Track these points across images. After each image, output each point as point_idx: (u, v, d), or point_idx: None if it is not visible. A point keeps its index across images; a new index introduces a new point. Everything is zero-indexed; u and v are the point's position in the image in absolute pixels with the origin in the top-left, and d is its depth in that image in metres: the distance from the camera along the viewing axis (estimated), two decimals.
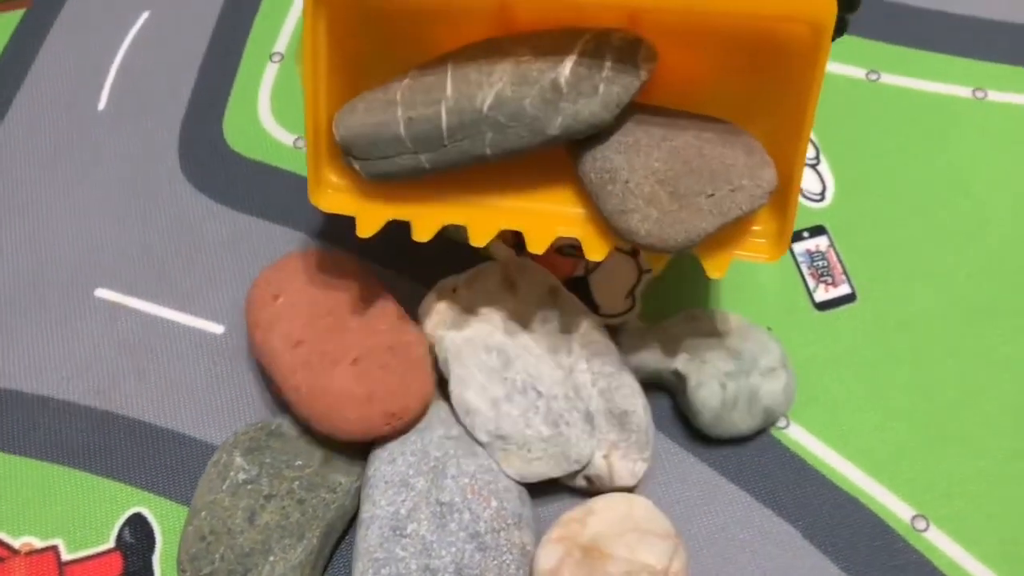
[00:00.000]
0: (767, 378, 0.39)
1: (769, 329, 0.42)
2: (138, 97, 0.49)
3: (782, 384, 0.39)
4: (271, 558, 0.36)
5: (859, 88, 0.49)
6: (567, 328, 0.40)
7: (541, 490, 0.39)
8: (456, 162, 0.36)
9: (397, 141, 0.36)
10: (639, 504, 0.38)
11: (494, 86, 0.35)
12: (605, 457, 0.38)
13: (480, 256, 0.45)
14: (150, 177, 0.47)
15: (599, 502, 0.37)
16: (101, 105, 0.49)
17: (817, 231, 0.44)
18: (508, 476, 0.37)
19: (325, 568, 0.38)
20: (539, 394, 0.38)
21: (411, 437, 0.38)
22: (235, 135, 0.48)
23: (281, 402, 0.41)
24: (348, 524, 0.38)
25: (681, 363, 0.40)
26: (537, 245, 0.37)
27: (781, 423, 0.41)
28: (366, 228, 0.37)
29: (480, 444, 0.38)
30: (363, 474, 0.38)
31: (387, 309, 0.39)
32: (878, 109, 0.48)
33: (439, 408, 0.39)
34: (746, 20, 0.34)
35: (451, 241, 0.45)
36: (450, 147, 0.36)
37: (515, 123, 0.35)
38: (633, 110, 0.37)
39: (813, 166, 0.46)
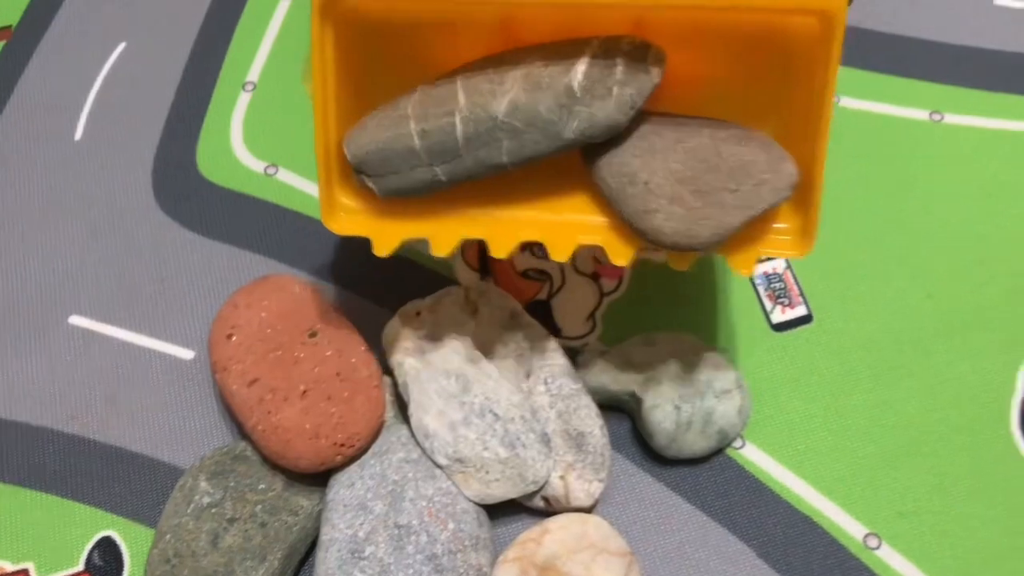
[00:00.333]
0: (721, 400, 0.40)
1: (726, 351, 0.43)
2: (114, 127, 0.51)
3: (736, 406, 0.40)
4: None
5: None
6: (527, 351, 0.41)
7: (500, 511, 0.40)
8: (472, 172, 0.36)
9: (411, 154, 0.36)
10: (594, 524, 0.38)
11: (508, 93, 0.35)
12: (561, 478, 0.39)
13: (444, 279, 0.46)
14: (124, 206, 0.48)
15: (555, 522, 0.38)
16: (78, 135, 0.50)
17: None
18: (467, 498, 0.38)
19: None
20: (496, 417, 0.39)
21: (370, 461, 0.38)
22: (208, 164, 0.49)
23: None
24: (311, 546, 0.39)
25: (637, 385, 0.41)
26: (560, 254, 0.37)
27: (737, 443, 0.41)
28: (382, 248, 0.37)
29: (439, 467, 0.38)
30: (324, 497, 0.39)
31: (337, 334, 0.40)
32: (837, 132, 0.49)
33: (399, 432, 0.39)
34: (752, 16, 0.34)
35: (415, 264, 0.46)
36: (466, 157, 0.36)
37: (531, 128, 0.35)
38: (643, 116, 0.37)
39: None
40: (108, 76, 0.52)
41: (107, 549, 0.40)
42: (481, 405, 0.39)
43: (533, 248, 0.46)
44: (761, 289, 0.45)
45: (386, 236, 0.37)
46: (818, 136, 0.35)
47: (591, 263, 0.46)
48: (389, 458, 0.39)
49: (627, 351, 0.42)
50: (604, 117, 0.35)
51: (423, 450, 0.39)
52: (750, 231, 0.37)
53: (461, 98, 0.35)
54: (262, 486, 0.39)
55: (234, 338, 0.40)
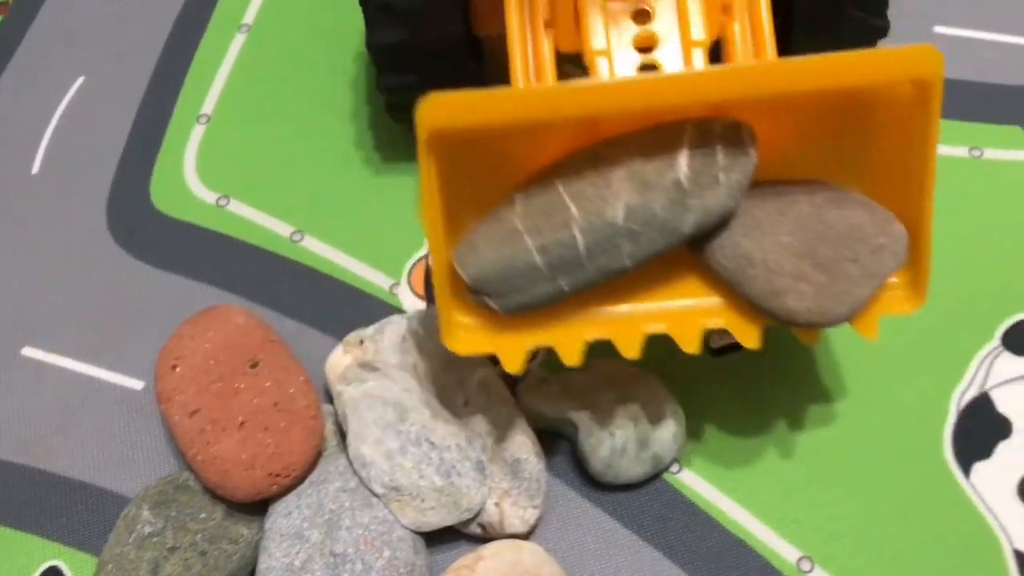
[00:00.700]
0: (656, 425, 0.41)
1: (663, 376, 0.44)
2: (71, 160, 0.52)
3: (671, 431, 0.41)
4: None
5: None
6: (466, 380, 0.42)
7: (438, 538, 0.40)
8: (595, 280, 0.36)
9: (533, 271, 0.35)
10: (528, 550, 0.39)
11: (620, 197, 0.35)
12: (497, 505, 0.40)
13: (391, 308, 0.46)
14: (78, 238, 0.49)
15: (489, 549, 0.39)
16: (35, 169, 0.51)
17: None
18: (403, 526, 0.39)
19: None
20: (433, 445, 0.39)
21: (308, 490, 0.39)
22: (161, 196, 0.50)
23: None
24: (251, 575, 0.40)
25: (574, 412, 0.41)
26: (689, 344, 0.37)
27: (674, 468, 0.42)
28: (512, 364, 0.36)
29: (376, 496, 0.39)
30: (263, 526, 0.39)
31: (278, 364, 0.41)
32: None
33: (338, 461, 0.40)
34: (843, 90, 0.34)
35: (363, 293, 0.47)
36: (588, 266, 0.35)
37: (649, 229, 0.35)
38: None
39: None
40: (67, 110, 0.53)
41: None
42: (418, 434, 0.39)
43: None
44: None
45: (510, 350, 0.36)
46: (923, 195, 0.35)
47: None
48: (326, 487, 0.39)
49: (565, 378, 0.43)
50: (718, 206, 0.35)
51: (360, 479, 0.39)
52: None
53: (572, 208, 0.35)
54: (203, 515, 0.40)
55: (178, 369, 0.41)
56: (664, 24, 0.38)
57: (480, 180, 0.36)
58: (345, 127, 0.51)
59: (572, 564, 0.40)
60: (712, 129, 0.36)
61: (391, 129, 0.51)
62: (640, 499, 0.41)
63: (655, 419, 0.41)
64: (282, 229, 0.49)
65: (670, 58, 0.38)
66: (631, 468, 0.41)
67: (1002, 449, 0.42)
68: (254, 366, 0.41)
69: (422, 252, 0.48)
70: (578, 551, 0.40)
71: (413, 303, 0.46)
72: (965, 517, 0.40)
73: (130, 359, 0.46)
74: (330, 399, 0.43)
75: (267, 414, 0.39)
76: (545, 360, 0.45)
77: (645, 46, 0.38)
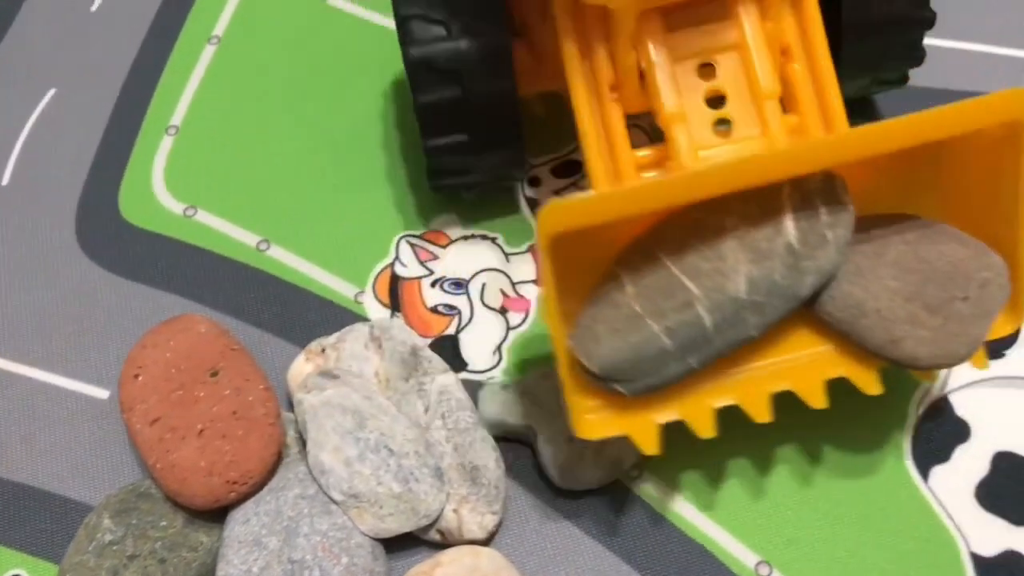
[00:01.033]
0: None
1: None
2: (41, 171, 0.52)
3: None
4: None
5: None
6: (425, 386, 0.42)
7: (398, 545, 0.40)
8: (723, 352, 0.36)
9: (663, 354, 0.35)
10: (487, 556, 0.39)
11: (738, 270, 0.35)
12: (455, 511, 0.40)
13: (355, 316, 0.47)
14: (47, 249, 0.49)
15: (447, 555, 0.39)
16: (5, 180, 0.52)
17: None
18: (362, 533, 0.39)
19: None
20: (391, 452, 0.39)
21: (266, 497, 0.39)
22: (129, 206, 0.50)
23: None
24: None
25: (534, 418, 0.42)
26: (817, 400, 0.37)
27: (634, 473, 0.42)
28: (647, 444, 0.36)
29: (335, 503, 0.39)
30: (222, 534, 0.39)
31: (238, 373, 0.41)
32: None
33: (297, 468, 0.40)
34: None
35: (327, 301, 0.47)
36: (716, 341, 0.36)
37: (771, 298, 0.36)
38: None
39: None
40: (37, 122, 0.54)
41: None
42: (376, 441, 0.40)
43: (443, 284, 0.48)
44: None
45: (641, 429, 0.37)
46: (1018, 223, 0.35)
47: (499, 296, 0.47)
48: (285, 494, 0.39)
49: (526, 384, 0.43)
50: (830, 265, 0.36)
51: (319, 486, 0.40)
52: None
53: (692, 287, 0.35)
54: (163, 523, 0.40)
55: (140, 378, 0.41)
56: (730, 76, 0.38)
57: (576, 258, 0.36)
58: (311, 138, 0.52)
59: (531, 570, 0.40)
60: (809, 187, 0.36)
61: (358, 141, 0.52)
62: (600, 504, 0.42)
63: None
64: (248, 239, 0.49)
65: (742, 113, 0.38)
66: (590, 473, 0.41)
67: (960, 453, 0.42)
68: (214, 375, 0.41)
69: (387, 261, 0.48)
70: (538, 557, 0.41)
71: (378, 311, 0.47)
72: (923, 521, 0.41)
73: (96, 368, 0.46)
74: (293, 407, 0.43)
75: (226, 422, 0.39)
76: (508, 366, 0.45)
77: (714, 98, 0.38)
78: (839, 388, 0.41)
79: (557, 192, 0.50)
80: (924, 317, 0.36)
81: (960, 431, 0.43)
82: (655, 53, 0.38)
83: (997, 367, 0.44)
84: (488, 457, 0.41)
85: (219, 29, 0.56)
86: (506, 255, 0.48)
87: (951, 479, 0.41)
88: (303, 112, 0.53)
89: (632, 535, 0.41)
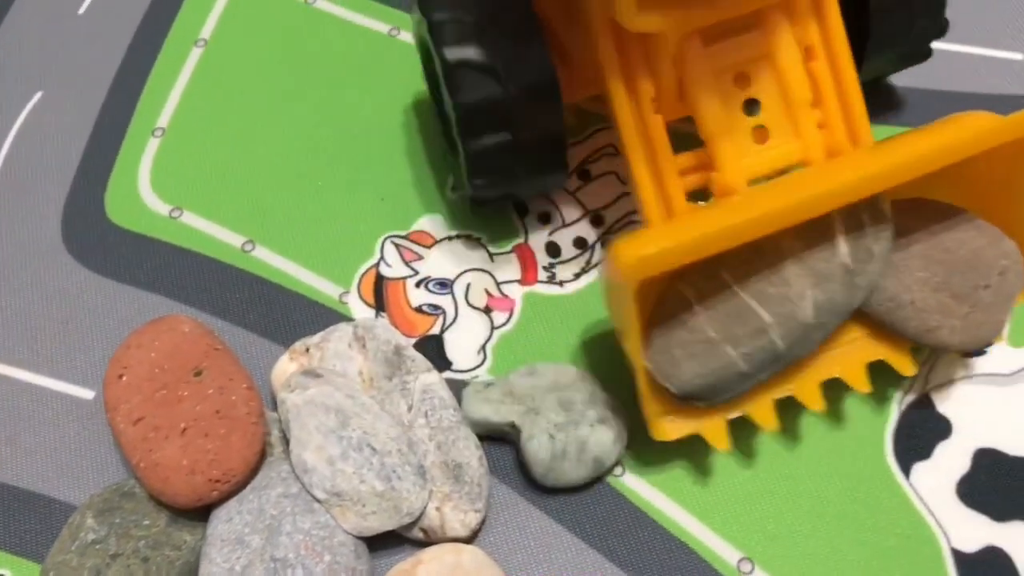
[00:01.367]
0: (596, 428, 0.41)
1: (608, 381, 0.44)
2: (27, 173, 0.52)
3: (612, 434, 0.41)
4: None
5: None
6: (409, 385, 0.42)
7: (381, 543, 0.40)
8: (789, 365, 0.40)
9: (740, 376, 0.39)
10: (469, 553, 0.39)
11: (805, 297, 0.38)
12: (438, 509, 0.40)
13: (340, 316, 0.47)
14: (33, 251, 0.50)
15: (428, 553, 0.39)
16: None
17: None
18: (345, 531, 0.39)
19: None
20: (374, 451, 0.40)
21: (249, 496, 0.39)
22: (115, 208, 0.51)
23: None
24: None
25: (517, 416, 0.42)
26: (861, 384, 0.40)
27: (617, 471, 0.42)
28: (718, 441, 0.39)
29: (318, 501, 0.39)
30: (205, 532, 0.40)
31: (221, 372, 0.41)
32: None
33: (280, 467, 0.40)
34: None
35: (312, 301, 0.47)
36: (787, 358, 0.39)
37: (833, 316, 0.39)
38: None
39: None
40: (24, 124, 0.54)
41: None
42: (359, 439, 0.40)
43: (428, 284, 0.48)
44: None
45: (712, 429, 0.40)
46: None
47: (483, 296, 0.47)
48: (268, 493, 0.39)
49: (510, 382, 0.43)
50: (877, 276, 0.39)
51: (302, 485, 0.40)
52: None
53: (764, 314, 0.38)
54: (147, 522, 0.40)
55: (124, 378, 0.41)
56: (764, 85, 0.39)
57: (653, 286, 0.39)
58: (297, 139, 0.52)
59: (514, 567, 0.40)
60: (856, 204, 0.38)
61: (343, 142, 0.52)
62: (583, 502, 0.42)
63: (596, 423, 0.41)
64: (234, 240, 0.49)
65: (778, 120, 0.39)
66: (572, 471, 0.41)
67: (941, 450, 0.42)
68: (198, 374, 0.41)
69: (372, 261, 0.48)
70: (520, 554, 0.41)
71: (363, 311, 0.47)
72: (905, 517, 0.41)
73: (81, 369, 0.46)
74: (277, 406, 0.43)
75: (208, 421, 0.39)
76: (493, 366, 0.45)
77: (750, 103, 0.40)
78: (822, 386, 0.41)
79: (543, 193, 0.50)
80: (953, 306, 0.39)
81: (942, 428, 0.43)
82: (696, 70, 0.39)
83: (979, 364, 0.44)
84: (471, 455, 0.41)
85: (206, 32, 0.57)
86: (490, 255, 0.48)
87: (933, 476, 0.42)
88: (289, 114, 0.53)
89: (614, 533, 0.41)
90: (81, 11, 0.58)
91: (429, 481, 0.40)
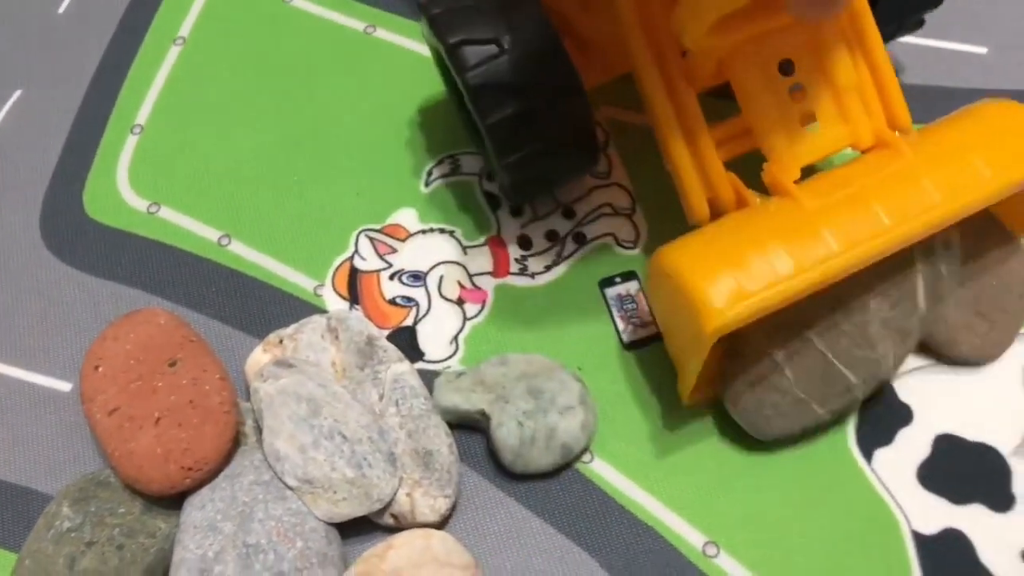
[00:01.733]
0: (564, 416, 0.42)
1: (579, 369, 0.45)
2: (7, 170, 0.53)
3: (579, 421, 0.42)
4: None
5: None
6: (380, 374, 0.43)
7: (353, 529, 0.41)
8: None
9: (823, 425, 0.42)
10: (439, 538, 0.40)
11: (889, 355, 0.41)
12: (408, 495, 0.41)
13: (314, 308, 0.47)
14: (12, 246, 0.50)
15: (399, 538, 0.40)
16: None
17: (629, 276, 0.47)
18: (317, 518, 0.40)
19: None
20: (345, 439, 0.40)
21: (222, 484, 0.40)
22: (94, 204, 0.51)
23: None
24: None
25: (487, 404, 0.42)
26: None
27: (586, 458, 0.43)
28: None
29: (290, 488, 0.40)
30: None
31: (195, 363, 0.42)
32: None
33: (253, 455, 0.41)
34: None
35: (286, 294, 0.48)
36: (861, 402, 0.42)
37: (901, 361, 0.42)
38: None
39: (629, 215, 0.49)
40: (3, 122, 0.54)
41: None
42: (330, 428, 0.40)
43: (401, 276, 0.48)
44: (615, 310, 0.47)
45: None
46: None
47: (456, 288, 0.48)
48: (241, 481, 0.40)
49: (481, 372, 0.44)
50: (943, 316, 0.42)
51: (275, 472, 0.40)
52: None
53: (850, 376, 0.41)
54: (122, 510, 0.40)
55: (100, 369, 0.42)
56: (809, 71, 0.39)
57: None
58: (272, 136, 0.53)
59: (483, 551, 0.41)
60: (936, 252, 0.41)
61: (318, 138, 0.52)
62: (552, 488, 0.42)
63: (564, 410, 0.42)
64: (210, 234, 0.50)
65: (825, 106, 0.40)
66: (541, 458, 0.42)
67: (903, 436, 0.43)
68: (172, 365, 0.42)
69: (346, 255, 0.49)
70: (490, 540, 0.41)
71: (337, 304, 0.47)
72: (867, 502, 0.42)
73: (60, 362, 0.47)
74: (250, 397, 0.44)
75: (182, 411, 0.40)
76: (464, 356, 0.46)
77: (796, 90, 0.40)
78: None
79: None
80: (977, 324, 0.42)
81: (903, 415, 0.44)
82: (743, 63, 0.39)
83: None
84: (441, 442, 0.41)
85: (184, 30, 0.57)
86: (463, 248, 0.49)
87: (894, 461, 0.42)
88: (265, 111, 0.54)
89: (582, 518, 0.42)
90: (61, 10, 0.59)
91: (399, 468, 0.41)
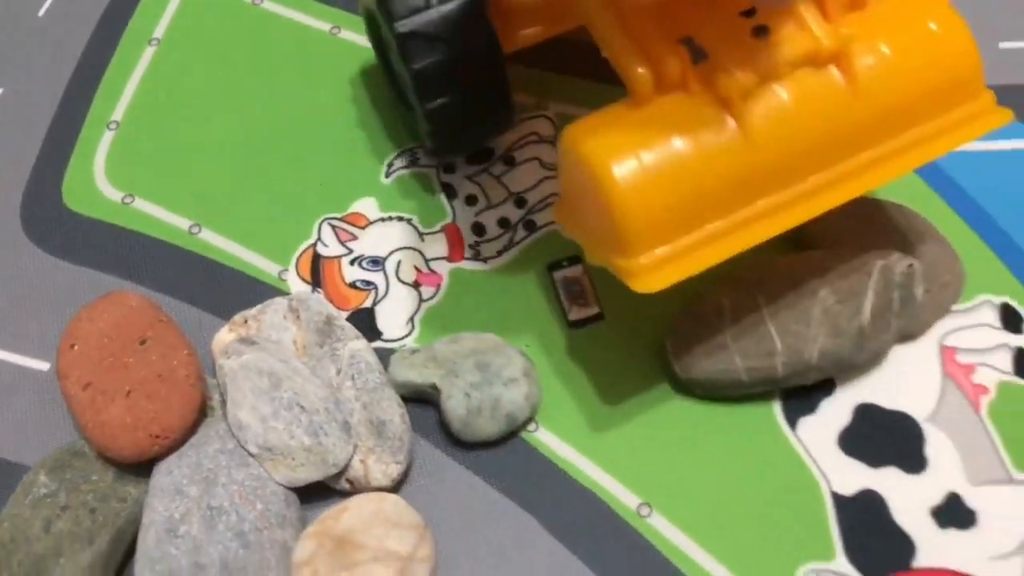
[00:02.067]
0: (509, 387, 0.45)
1: (527, 347, 0.48)
2: None
3: (523, 392, 0.45)
4: (61, 560, 0.41)
5: None
6: (338, 351, 0.46)
7: (312, 493, 0.44)
8: (780, 389, 0.46)
9: (738, 384, 0.44)
10: (391, 501, 0.43)
11: (817, 341, 0.44)
12: (362, 461, 0.43)
13: (278, 291, 0.50)
14: None
15: (353, 501, 0.43)
16: None
17: (574, 260, 0.50)
18: (276, 482, 0.43)
19: (120, 571, 0.43)
20: (303, 409, 0.43)
21: (188, 452, 0.43)
22: (72, 195, 0.54)
23: None
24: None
25: (438, 378, 0.45)
26: None
27: (531, 427, 0.46)
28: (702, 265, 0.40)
29: (251, 455, 0.43)
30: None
31: (164, 341, 0.44)
32: None
33: (218, 426, 0.44)
34: None
35: (252, 279, 0.51)
36: (780, 383, 0.45)
37: (831, 365, 0.44)
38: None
39: None
40: None
41: None
42: (289, 399, 0.43)
43: (361, 261, 0.51)
44: (562, 292, 0.49)
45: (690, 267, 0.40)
46: None
47: (412, 272, 0.51)
48: (205, 449, 0.43)
49: (434, 349, 0.47)
50: (884, 347, 0.45)
51: (238, 441, 0.43)
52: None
53: (778, 343, 0.44)
54: (95, 477, 0.43)
55: (76, 347, 0.45)
56: (784, 35, 0.39)
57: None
58: (240, 131, 0.56)
59: (433, 515, 0.44)
60: (893, 274, 0.44)
61: (284, 133, 0.55)
62: (499, 456, 0.45)
63: (508, 382, 0.45)
64: (181, 223, 0.53)
65: (778, 19, 0.38)
66: (487, 426, 0.45)
67: (825, 405, 0.46)
68: (143, 343, 0.45)
69: (310, 241, 0.52)
70: (440, 504, 0.44)
71: (300, 287, 0.50)
72: (790, 466, 0.45)
73: (38, 343, 0.50)
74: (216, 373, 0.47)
75: (151, 384, 0.43)
76: (419, 335, 0.49)
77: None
78: None
79: (470, 177, 0.54)
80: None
81: (825, 386, 0.47)
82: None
83: None
84: (394, 413, 0.44)
85: (159, 32, 0.60)
86: (420, 235, 0.52)
87: (817, 428, 0.46)
88: (234, 108, 0.57)
89: (527, 482, 0.45)
90: (41, 13, 0.62)
91: (354, 436, 0.44)
